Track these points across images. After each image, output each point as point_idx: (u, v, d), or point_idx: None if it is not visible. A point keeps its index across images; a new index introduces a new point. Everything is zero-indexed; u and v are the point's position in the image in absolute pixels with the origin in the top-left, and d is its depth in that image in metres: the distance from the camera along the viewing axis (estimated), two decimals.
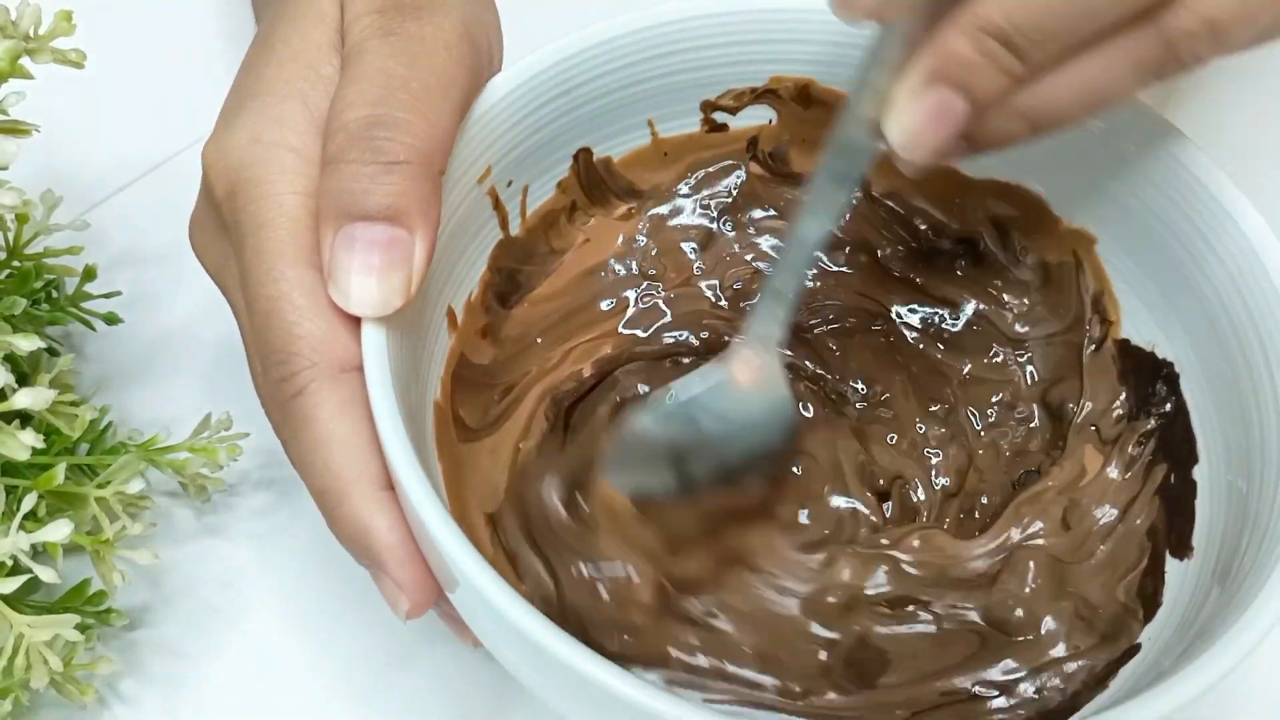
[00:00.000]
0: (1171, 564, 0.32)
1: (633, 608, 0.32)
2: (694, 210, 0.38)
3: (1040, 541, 0.34)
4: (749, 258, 0.38)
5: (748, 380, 0.32)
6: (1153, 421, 0.34)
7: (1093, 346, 0.36)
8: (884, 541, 0.34)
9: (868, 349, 0.37)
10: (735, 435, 0.33)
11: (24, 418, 0.34)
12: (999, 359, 0.37)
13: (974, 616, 0.33)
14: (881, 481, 0.35)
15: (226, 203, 0.30)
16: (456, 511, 0.26)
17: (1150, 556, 0.33)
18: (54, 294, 0.39)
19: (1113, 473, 0.34)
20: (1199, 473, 0.32)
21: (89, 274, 0.39)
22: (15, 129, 0.34)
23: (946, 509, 0.35)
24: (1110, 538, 0.33)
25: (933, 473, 0.36)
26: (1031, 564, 0.33)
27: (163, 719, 0.35)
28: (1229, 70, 0.47)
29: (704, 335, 0.37)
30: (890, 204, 0.37)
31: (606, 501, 0.33)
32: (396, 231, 0.28)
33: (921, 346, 0.37)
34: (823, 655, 0.32)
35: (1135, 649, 0.31)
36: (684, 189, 0.38)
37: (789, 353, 0.36)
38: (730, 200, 0.38)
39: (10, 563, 0.32)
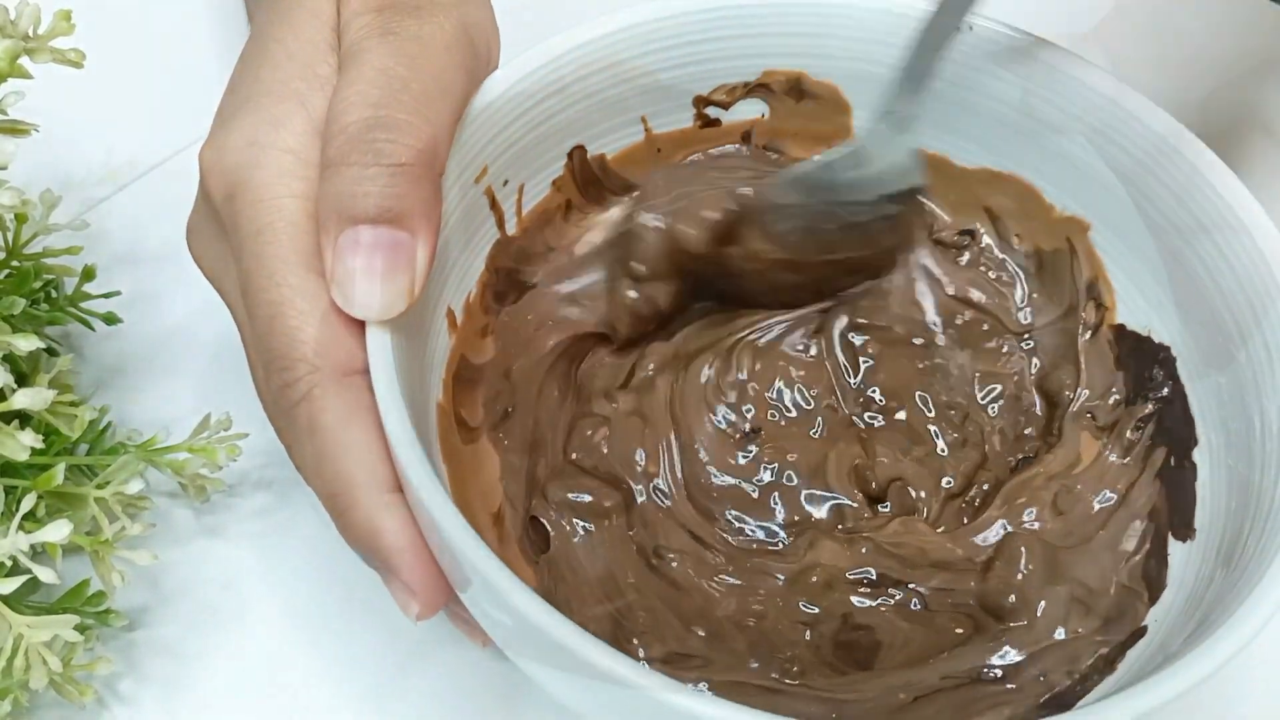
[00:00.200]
0: (1175, 546, 0.32)
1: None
2: None
3: (1034, 526, 0.34)
4: None
5: (880, 152, 0.34)
6: (1150, 406, 0.34)
7: (1088, 333, 0.36)
8: (865, 531, 0.34)
9: (901, 359, 0.37)
10: (861, 203, 0.35)
11: (23, 418, 0.34)
12: (1004, 350, 0.37)
13: (965, 600, 0.33)
14: (875, 485, 0.35)
15: (225, 206, 0.30)
16: (462, 511, 0.26)
17: (1153, 539, 0.33)
18: (53, 294, 0.39)
19: (1111, 457, 0.34)
20: (1199, 455, 0.32)
21: (88, 274, 0.39)
22: (15, 129, 0.34)
23: (948, 509, 0.35)
24: (1110, 522, 0.33)
25: (943, 478, 0.36)
26: (1024, 549, 0.33)
27: (162, 719, 0.35)
28: None
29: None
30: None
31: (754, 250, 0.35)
32: (399, 234, 0.28)
33: (940, 344, 0.37)
34: (808, 634, 0.32)
35: (1142, 631, 0.31)
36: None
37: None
38: None
39: (9, 563, 0.32)
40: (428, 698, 0.35)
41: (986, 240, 0.37)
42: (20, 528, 0.32)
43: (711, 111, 0.36)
